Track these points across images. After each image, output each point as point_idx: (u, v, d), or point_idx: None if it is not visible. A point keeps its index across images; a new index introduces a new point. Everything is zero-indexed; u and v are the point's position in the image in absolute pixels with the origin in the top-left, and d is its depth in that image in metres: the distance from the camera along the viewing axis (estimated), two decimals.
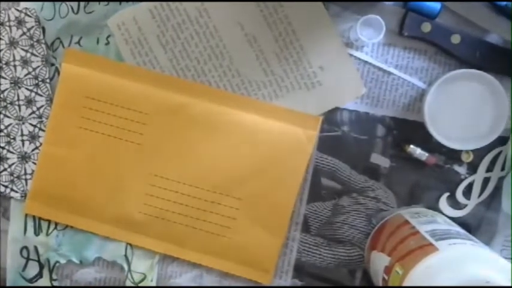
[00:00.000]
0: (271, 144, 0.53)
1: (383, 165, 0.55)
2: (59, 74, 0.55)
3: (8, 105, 0.55)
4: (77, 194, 0.55)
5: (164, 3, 0.54)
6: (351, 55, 0.54)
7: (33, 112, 0.55)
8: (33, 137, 0.55)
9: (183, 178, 0.54)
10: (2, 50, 0.54)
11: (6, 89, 0.55)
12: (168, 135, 0.54)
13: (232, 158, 0.53)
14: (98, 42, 0.55)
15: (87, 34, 0.55)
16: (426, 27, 0.52)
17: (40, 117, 0.55)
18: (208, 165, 0.54)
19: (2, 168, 0.55)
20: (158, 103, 0.54)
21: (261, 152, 0.53)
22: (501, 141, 0.53)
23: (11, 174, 0.55)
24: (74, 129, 0.54)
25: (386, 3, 0.54)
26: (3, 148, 0.55)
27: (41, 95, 0.55)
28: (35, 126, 0.55)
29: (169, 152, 0.54)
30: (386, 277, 0.47)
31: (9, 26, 0.54)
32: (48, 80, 0.55)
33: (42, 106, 0.55)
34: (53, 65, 0.55)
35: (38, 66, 0.55)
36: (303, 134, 0.53)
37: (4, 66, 0.54)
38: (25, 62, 0.54)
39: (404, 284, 0.43)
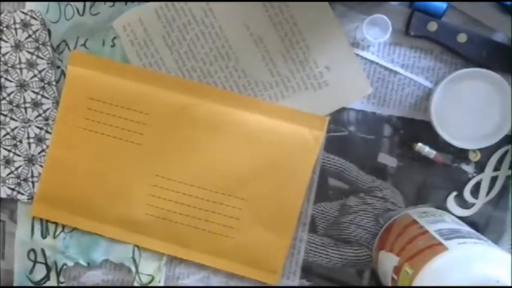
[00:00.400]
0: (277, 144, 0.53)
1: (390, 164, 0.55)
2: (65, 76, 0.55)
3: (14, 108, 0.55)
4: (84, 196, 0.54)
5: (169, 3, 0.54)
6: (357, 55, 0.54)
7: (40, 115, 0.55)
8: (39, 140, 0.55)
9: (187, 179, 0.54)
10: (8, 52, 0.54)
11: (13, 92, 0.54)
12: (172, 136, 0.54)
13: (236, 158, 0.53)
14: (103, 44, 0.55)
15: (93, 36, 0.55)
16: (432, 26, 0.52)
17: (46, 119, 0.55)
18: (213, 165, 0.54)
19: (8, 171, 0.55)
20: (163, 104, 0.54)
21: (267, 152, 0.53)
22: (508, 140, 0.53)
23: (18, 177, 0.55)
24: (80, 132, 0.54)
25: (392, 2, 0.54)
26: (9, 151, 0.55)
27: (47, 98, 0.55)
28: (41, 128, 0.55)
29: (174, 153, 0.54)
30: (395, 277, 0.47)
31: (15, 29, 0.54)
32: (54, 83, 0.55)
33: (48, 109, 0.55)
34: (58, 67, 0.55)
35: (44, 69, 0.54)
36: (309, 134, 0.53)
37: (10, 69, 0.54)
38: (31, 65, 0.54)
39: (414, 284, 0.43)
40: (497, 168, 0.54)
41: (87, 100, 0.54)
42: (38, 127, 0.55)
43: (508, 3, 0.52)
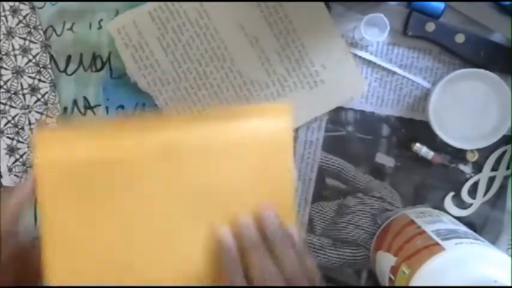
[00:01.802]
0: (249, 156, 0.44)
1: (388, 164, 0.55)
2: (54, 61, 0.54)
3: (13, 95, 0.54)
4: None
5: (163, 5, 0.53)
6: (356, 55, 0.54)
7: (39, 99, 0.55)
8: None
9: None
10: (1, 40, 0.54)
11: (9, 80, 0.54)
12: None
13: (210, 186, 0.45)
14: (90, 27, 0.54)
15: (80, 19, 0.54)
16: (430, 26, 0.52)
17: (45, 103, 0.55)
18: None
19: (14, 159, 0.55)
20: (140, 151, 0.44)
21: (243, 168, 0.45)
22: (506, 140, 0.53)
23: (24, 164, 0.55)
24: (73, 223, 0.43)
25: (390, 3, 0.53)
26: (12, 139, 0.55)
27: (44, 81, 0.54)
28: (41, 113, 0.55)
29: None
30: (393, 277, 0.47)
31: (5, 16, 0.54)
32: (49, 66, 0.54)
33: (46, 93, 0.55)
34: (48, 53, 0.55)
35: (38, 53, 0.54)
36: (276, 126, 0.44)
37: (4, 57, 0.54)
38: (25, 50, 0.54)
39: (412, 284, 0.43)
40: (495, 168, 0.54)
41: (69, 181, 0.43)
42: (38, 112, 0.55)
43: (506, 3, 0.52)
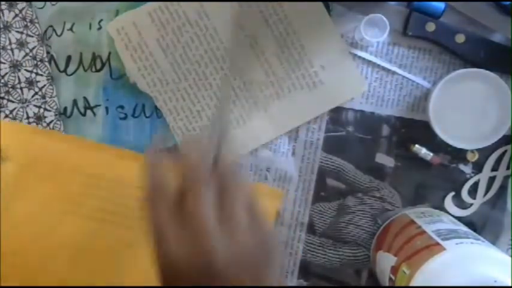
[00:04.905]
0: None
1: (388, 164, 0.55)
2: (54, 61, 0.55)
3: (10, 89, 0.54)
4: None
5: (163, 5, 0.53)
6: (356, 55, 0.54)
7: (36, 93, 0.54)
8: (38, 118, 0.55)
9: None
10: None
11: (6, 74, 0.54)
12: None
13: None
14: (90, 27, 0.54)
15: (79, 20, 0.54)
16: (430, 26, 0.52)
17: (43, 97, 0.54)
18: None
19: None
20: None
21: None
22: (506, 140, 0.53)
23: None
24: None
25: (390, 3, 0.53)
26: None
27: (42, 75, 0.54)
28: (39, 107, 0.55)
29: None
30: (393, 277, 0.47)
31: (1, 10, 0.54)
32: (46, 59, 0.54)
33: (44, 86, 0.54)
34: (48, 53, 0.55)
35: (35, 47, 0.54)
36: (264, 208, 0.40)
37: (1, 50, 0.54)
38: (21, 44, 0.54)
39: (412, 284, 0.43)
40: (495, 168, 0.54)
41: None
42: (36, 106, 0.55)
43: (506, 3, 0.52)
